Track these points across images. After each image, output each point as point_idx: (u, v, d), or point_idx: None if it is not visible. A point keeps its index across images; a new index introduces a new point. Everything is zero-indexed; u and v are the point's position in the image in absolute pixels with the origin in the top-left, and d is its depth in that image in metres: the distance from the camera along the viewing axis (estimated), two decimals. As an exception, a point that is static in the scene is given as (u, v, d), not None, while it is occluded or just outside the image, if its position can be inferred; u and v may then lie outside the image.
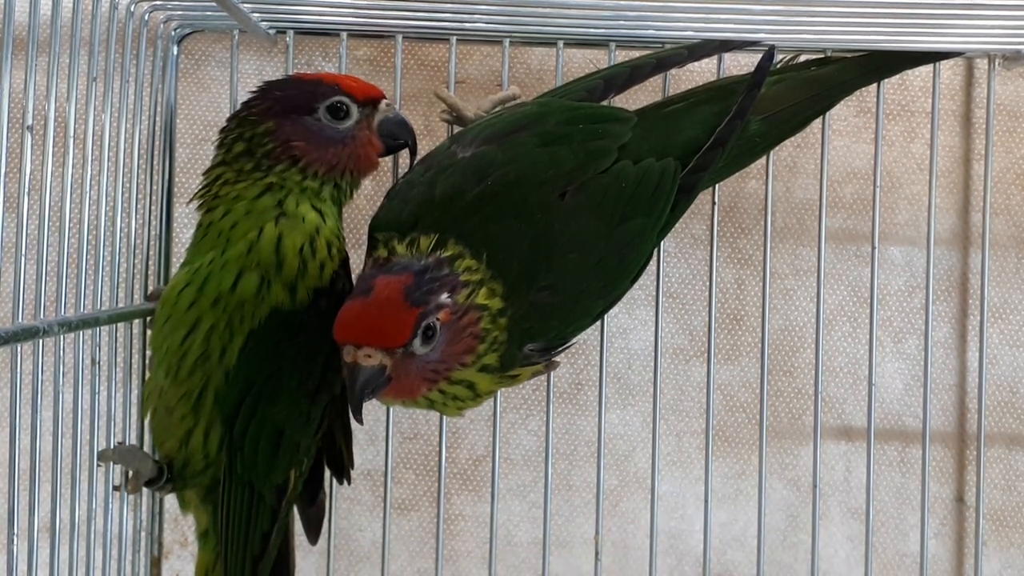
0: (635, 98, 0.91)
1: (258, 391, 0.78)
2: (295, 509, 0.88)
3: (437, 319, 0.69)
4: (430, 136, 1.04)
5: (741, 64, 0.94)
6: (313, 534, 0.90)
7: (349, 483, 0.90)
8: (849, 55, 0.93)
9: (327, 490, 0.91)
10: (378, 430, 1.03)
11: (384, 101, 0.83)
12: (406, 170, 0.84)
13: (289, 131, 0.80)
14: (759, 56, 0.84)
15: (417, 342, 0.69)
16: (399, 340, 0.68)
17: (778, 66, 0.90)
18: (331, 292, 0.78)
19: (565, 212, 0.76)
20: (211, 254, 0.79)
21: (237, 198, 0.79)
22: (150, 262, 0.93)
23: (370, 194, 1.03)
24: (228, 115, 0.84)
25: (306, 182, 0.80)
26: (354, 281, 0.77)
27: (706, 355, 0.95)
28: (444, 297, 0.70)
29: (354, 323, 0.69)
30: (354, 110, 0.81)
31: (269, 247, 0.77)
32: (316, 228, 0.79)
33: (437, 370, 0.71)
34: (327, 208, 0.81)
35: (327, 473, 0.90)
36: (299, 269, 0.78)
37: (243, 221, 0.79)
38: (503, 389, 0.89)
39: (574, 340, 0.82)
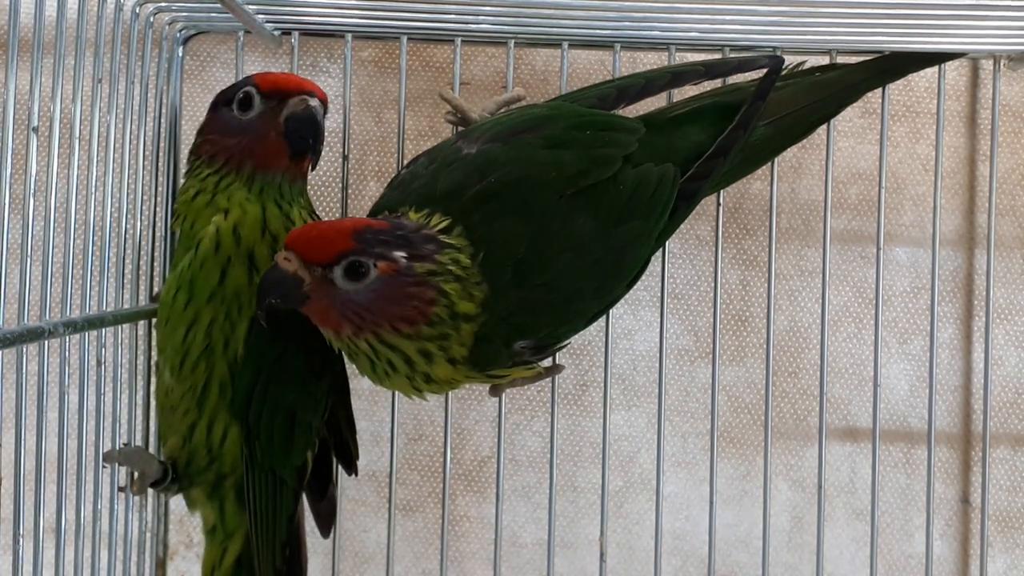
0: (642, 101, 0.91)
1: (267, 375, 0.79)
2: (306, 503, 0.89)
3: (373, 264, 0.71)
4: (435, 138, 1.04)
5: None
6: (325, 528, 0.91)
7: (356, 475, 0.90)
8: (855, 57, 0.92)
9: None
10: (383, 431, 1.03)
11: (299, 96, 0.79)
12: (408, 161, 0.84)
13: (209, 127, 0.82)
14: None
15: (339, 271, 0.71)
16: (318, 257, 0.70)
17: (784, 71, 0.90)
18: None
19: (562, 213, 0.76)
20: (187, 256, 0.80)
21: (186, 202, 0.81)
22: (155, 263, 0.93)
23: (374, 195, 1.03)
24: None
25: (220, 177, 0.80)
26: None
27: (711, 356, 0.95)
28: (398, 254, 0.71)
29: (295, 234, 0.72)
30: (257, 101, 0.80)
31: (229, 239, 0.78)
32: (256, 218, 0.79)
33: (363, 317, 0.72)
34: (254, 199, 0.80)
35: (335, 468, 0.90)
36: (269, 255, 0.78)
37: (198, 220, 0.80)
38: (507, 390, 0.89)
39: (567, 341, 0.82)
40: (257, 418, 0.79)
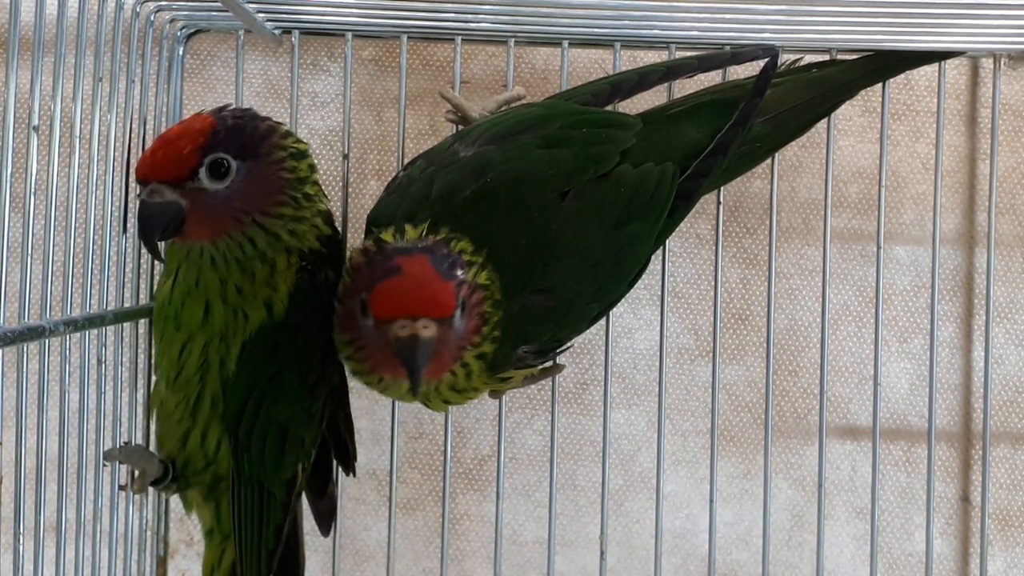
0: (640, 99, 0.91)
1: (260, 393, 0.78)
2: (305, 502, 0.88)
3: (463, 293, 0.71)
4: (435, 136, 1.04)
5: (746, 63, 0.94)
6: (324, 526, 0.91)
7: (355, 475, 0.90)
8: (854, 55, 0.93)
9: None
10: (383, 430, 1.03)
11: (146, 187, 0.74)
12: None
13: None
14: (764, 59, 0.84)
15: (459, 313, 0.70)
16: (447, 310, 0.69)
17: (781, 68, 0.90)
18: (314, 287, 0.78)
19: (564, 215, 0.76)
20: (166, 284, 0.80)
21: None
22: (156, 261, 0.93)
23: (375, 193, 1.03)
24: None
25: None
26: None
27: (711, 355, 0.95)
28: (460, 272, 0.71)
29: (403, 298, 0.69)
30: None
31: (215, 286, 0.77)
32: (215, 284, 0.78)
33: (462, 346, 0.72)
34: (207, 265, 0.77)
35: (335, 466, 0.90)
36: (261, 294, 0.78)
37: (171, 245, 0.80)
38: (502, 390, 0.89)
39: (570, 344, 0.82)
40: (248, 433, 0.79)
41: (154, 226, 0.74)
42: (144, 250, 0.91)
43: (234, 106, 0.78)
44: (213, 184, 0.73)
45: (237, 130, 0.75)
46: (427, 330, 0.68)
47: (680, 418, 1.06)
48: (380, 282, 0.69)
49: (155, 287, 0.93)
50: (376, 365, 0.73)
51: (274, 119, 0.78)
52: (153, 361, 0.88)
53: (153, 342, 0.84)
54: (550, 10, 0.90)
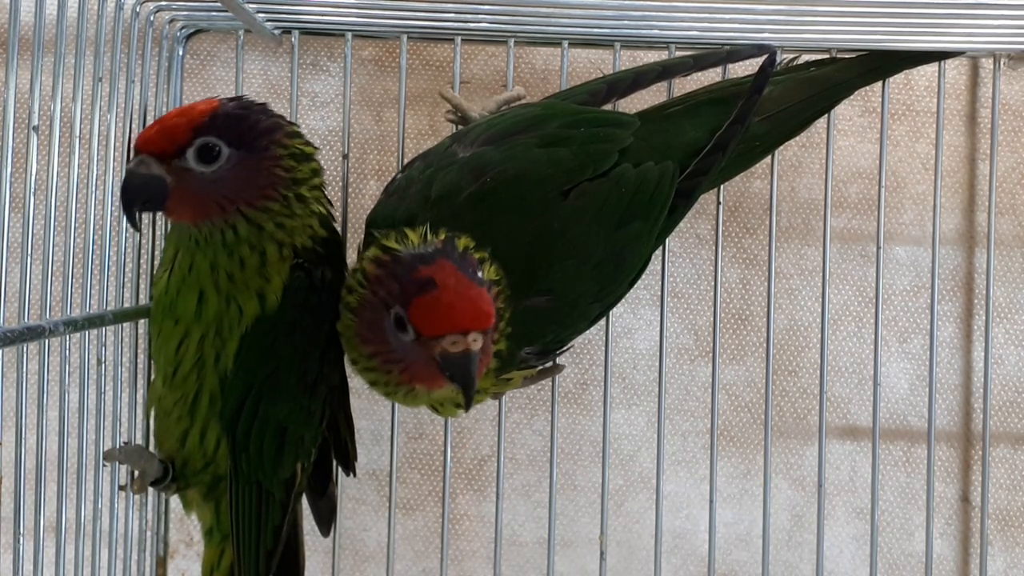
0: (639, 98, 0.91)
1: (257, 392, 0.78)
2: (306, 502, 0.88)
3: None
4: (435, 137, 1.04)
5: (744, 63, 0.94)
6: (325, 526, 0.90)
7: (355, 475, 0.90)
8: (853, 55, 0.93)
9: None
10: (383, 430, 1.03)
11: (135, 159, 0.75)
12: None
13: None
14: (761, 57, 0.84)
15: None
16: (493, 320, 0.69)
17: (779, 67, 0.90)
18: (310, 285, 0.77)
19: (565, 215, 0.77)
20: (164, 276, 0.80)
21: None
22: (155, 261, 0.93)
23: (375, 194, 1.03)
24: None
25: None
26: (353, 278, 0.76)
27: (711, 355, 0.95)
28: (481, 274, 0.71)
29: (451, 314, 0.68)
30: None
31: (206, 272, 0.77)
32: (205, 269, 0.77)
33: (489, 352, 0.72)
34: (200, 248, 0.77)
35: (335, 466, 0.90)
36: (253, 283, 0.77)
37: (169, 242, 0.80)
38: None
39: (571, 344, 0.82)
40: (246, 432, 0.79)
41: (134, 196, 0.74)
42: (144, 249, 0.91)
43: (253, 99, 0.78)
44: (199, 166, 0.73)
45: (237, 119, 0.75)
46: (476, 343, 0.68)
47: (680, 418, 1.06)
48: (416, 296, 0.68)
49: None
50: (414, 378, 0.73)
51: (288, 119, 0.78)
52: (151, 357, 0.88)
53: (151, 338, 0.84)
54: (550, 10, 0.90)
